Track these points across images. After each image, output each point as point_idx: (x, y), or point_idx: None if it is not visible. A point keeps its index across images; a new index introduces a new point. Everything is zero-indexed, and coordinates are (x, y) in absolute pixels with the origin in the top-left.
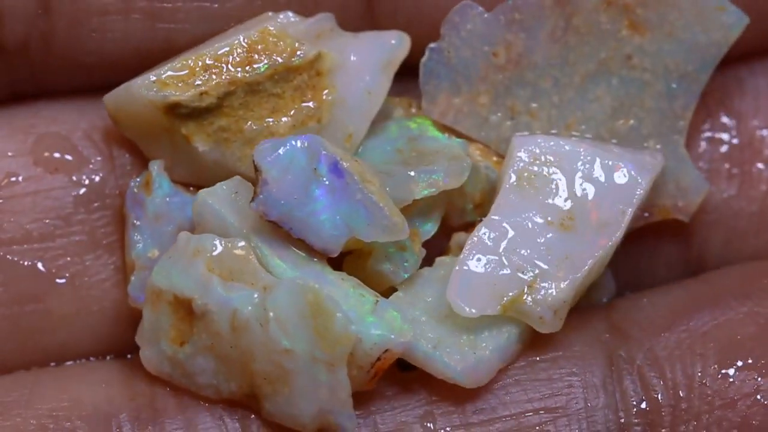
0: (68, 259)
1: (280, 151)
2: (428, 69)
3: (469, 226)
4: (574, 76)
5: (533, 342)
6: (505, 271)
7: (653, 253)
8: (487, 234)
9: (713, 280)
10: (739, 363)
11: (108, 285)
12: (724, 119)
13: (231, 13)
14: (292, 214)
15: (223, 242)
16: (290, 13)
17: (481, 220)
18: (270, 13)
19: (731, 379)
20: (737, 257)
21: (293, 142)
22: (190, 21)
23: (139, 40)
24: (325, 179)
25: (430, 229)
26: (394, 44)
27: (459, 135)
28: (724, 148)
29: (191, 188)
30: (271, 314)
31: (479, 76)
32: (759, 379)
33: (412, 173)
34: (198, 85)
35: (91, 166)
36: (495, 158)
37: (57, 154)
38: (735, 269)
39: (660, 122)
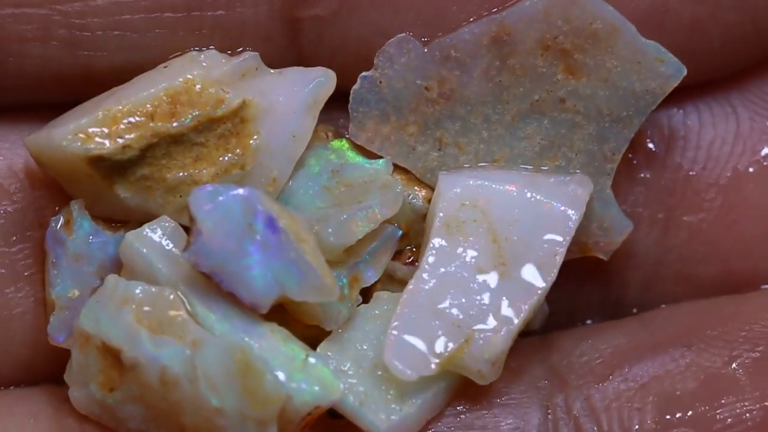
0: None
1: (217, 201)
2: (359, 96)
3: (396, 255)
4: (506, 115)
5: (468, 388)
6: (439, 329)
7: (573, 293)
8: (419, 290)
9: (654, 324)
10: (677, 418)
11: (28, 317)
12: (651, 162)
13: (152, 43)
14: (224, 267)
15: (151, 292)
16: (214, 52)
17: (408, 249)
18: (194, 53)
19: None
20: (655, 302)
21: (230, 193)
22: (110, 49)
23: (58, 65)
24: (259, 235)
25: (372, 276)
26: (320, 82)
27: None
28: (648, 192)
29: (113, 224)
30: (200, 372)
31: (409, 107)
32: None
33: (346, 215)
34: (120, 138)
35: (10, 197)
36: (418, 187)
37: None
38: (676, 313)
39: (588, 163)
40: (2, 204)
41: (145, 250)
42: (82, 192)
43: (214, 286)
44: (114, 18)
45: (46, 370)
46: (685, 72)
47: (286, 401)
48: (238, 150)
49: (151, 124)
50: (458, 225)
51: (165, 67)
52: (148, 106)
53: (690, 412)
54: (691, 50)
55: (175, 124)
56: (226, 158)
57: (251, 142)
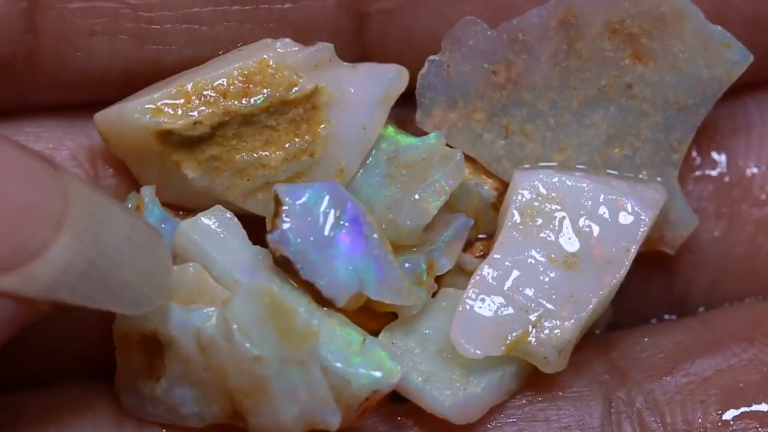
0: None
1: (306, 192)
2: (426, 81)
3: (467, 247)
4: (573, 101)
5: (531, 380)
6: (508, 311)
7: (637, 290)
8: (490, 273)
9: (715, 321)
10: (741, 412)
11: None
12: (715, 157)
13: (221, 36)
14: (306, 254)
15: (175, 268)
16: (288, 40)
17: (477, 239)
18: (269, 41)
19: (732, 427)
20: (722, 300)
21: (321, 184)
22: (178, 43)
23: (125, 60)
24: (346, 229)
25: (446, 264)
26: (392, 78)
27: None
28: (713, 187)
29: (181, 212)
30: (234, 325)
31: (477, 93)
32: (760, 429)
33: (417, 195)
34: (192, 114)
35: None
36: (485, 176)
37: None
38: (737, 311)
39: (654, 153)
40: None
41: (199, 239)
42: (150, 175)
43: (269, 270)
44: (183, 11)
45: (113, 365)
46: (751, 58)
47: (343, 384)
48: (307, 137)
49: (223, 102)
50: (532, 214)
51: (239, 50)
52: (222, 83)
53: (754, 406)
54: (753, 47)
55: (246, 104)
56: (296, 144)
57: (321, 130)
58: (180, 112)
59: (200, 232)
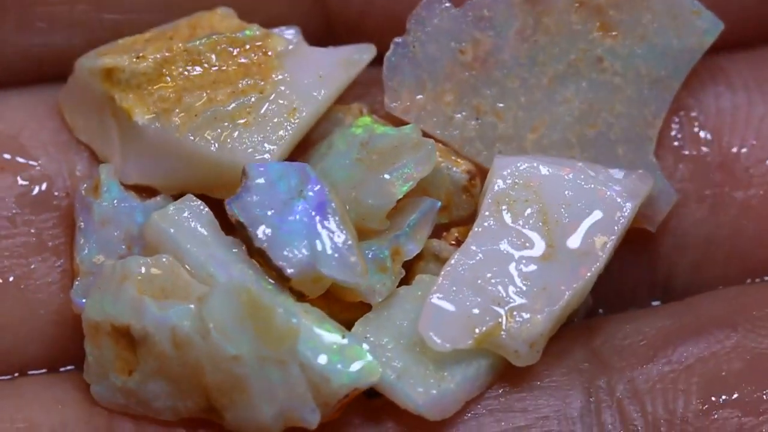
0: (13, 261)
1: (273, 164)
2: (392, 64)
3: (439, 230)
4: (543, 77)
5: (509, 371)
6: (479, 304)
7: (619, 275)
8: (462, 263)
9: (699, 306)
10: (723, 400)
11: (54, 288)
12: (697, 137)
13: (180, 2)
14: (263, 220)
15: (148, 262)
16: (255, 25)
17: (453, 225)
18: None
19: (714, 416)
20: (706, 283)
21: (287, 161)
22: (138, 10)
23: (86, 29)
24: (308, 201)
25: (413, 249)
26: (360, 49)
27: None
28: (695, 168)
29: (143, 195)
30: (210, 323)
31: (445, 73)
32: (742, 417)
33: (384, 176)
34: (136, 51)
35: (38, 166)
36: (456, 159)
37: (3, 154)
38: (722, 295)
39: (629, 128)
40: (31, 173)
41: (171, 230)
42: (111, 148)
43: (248, 270)
44: None
45: (71, 346)
46: (722, 26)
47: (322, 383)
48: (258, 76)
49: (166, 42)
50: (509, 203)
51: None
52: (167, 31)
53: (736, 394)
54: (727, 8)
55: (191, 44)
56: (245, 82)
57: (273, 75)
58: (125, 54)
59: (172, 223)
